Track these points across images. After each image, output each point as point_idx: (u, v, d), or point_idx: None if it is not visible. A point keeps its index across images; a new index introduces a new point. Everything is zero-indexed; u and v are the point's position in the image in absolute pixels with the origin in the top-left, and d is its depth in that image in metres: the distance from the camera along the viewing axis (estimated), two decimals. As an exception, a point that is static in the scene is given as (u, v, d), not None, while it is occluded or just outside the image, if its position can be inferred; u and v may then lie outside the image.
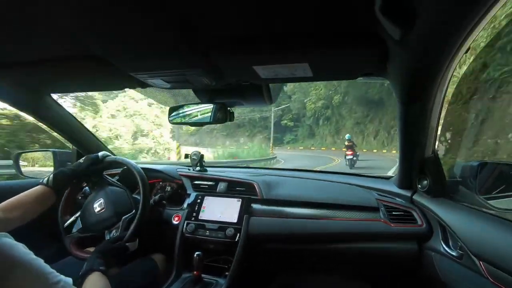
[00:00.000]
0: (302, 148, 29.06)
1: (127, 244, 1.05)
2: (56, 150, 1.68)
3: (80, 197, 1.29)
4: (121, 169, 1.49)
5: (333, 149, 19.81)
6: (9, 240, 0.61)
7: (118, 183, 1.24)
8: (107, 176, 1.23)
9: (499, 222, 0.80)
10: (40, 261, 0.64)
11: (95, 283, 0.82)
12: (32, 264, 0.61)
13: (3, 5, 0.63)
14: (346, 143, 12.76)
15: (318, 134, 30.06)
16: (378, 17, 0.52)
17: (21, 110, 1.29)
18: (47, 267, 0.64)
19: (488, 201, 0.88)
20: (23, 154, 1.62)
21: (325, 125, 28.86)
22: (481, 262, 0.79)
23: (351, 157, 11.93)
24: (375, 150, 20.63)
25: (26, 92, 1.21)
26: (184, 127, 35.28)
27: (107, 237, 1.10)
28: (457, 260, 0.91)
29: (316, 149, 26.37)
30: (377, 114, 23.22)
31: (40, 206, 0.94)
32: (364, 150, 20.13)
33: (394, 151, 17.25)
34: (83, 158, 1.15)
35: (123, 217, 1.13)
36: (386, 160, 14.83)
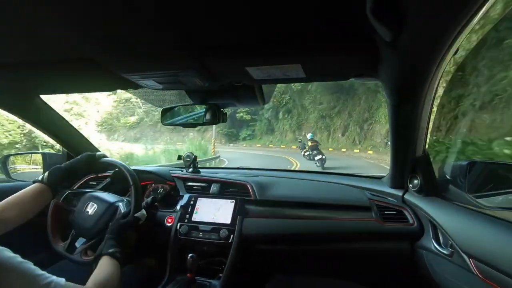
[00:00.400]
0: (259, 145, 25.47)
1: (136, 215, 1.09)
2: (46, 152, 1.65)
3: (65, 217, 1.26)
4: (113, 171, 1.47)
5: (294, 147, 16.46)
6: None
7: (97, 190, 1.27)
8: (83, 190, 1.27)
9: (488, 220, 0.82)
10: (29, 264, 0.62)
11: (104, 267, 0.85)
12: (19, 267, 0.60)
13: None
14: (310, 143, 12.04)
15: (277, 130, 25.86)
16: (370, 20, 0.53)
17: (9, 111, 1.26)
18: (36, 270, 0.63)
19: (477, 200, 0.89)
20: (12, 157, 1.58)
21: (285, 119, 24.82)
22: (471, 260, 0.80)
23: (320, 156, 10.98)
24: (344, 149, 17.69)
25: (14, 93, 1.18)
26: (122, 119, 34.12)
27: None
28: (448, 258, 0.93)
29: (274, 147, 23.22)
30: (346, 105, 19.58)
31: (37, 204, 0.94)
32: (330, 149, 17.84)
33: (370, 151, 15.05)
34: (81, 155, 1.14)
35: (119, 204, 1.17)
36: (359, 163, 12.90)
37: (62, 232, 1.23)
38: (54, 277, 0.65)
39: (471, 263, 0.80)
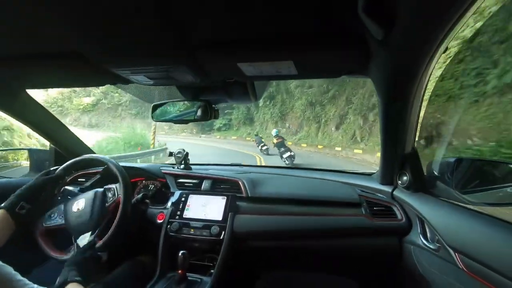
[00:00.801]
0: (235, 138, 22.03)
1: (99, 253, 1.04)
2: (33, 148, 1.61)
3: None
4: (102, 168, 1.45)
5: (274, 141, 12.40)
6: None
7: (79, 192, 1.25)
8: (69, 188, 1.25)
9: (473, 215, 0.84)
10: (8, 269, 0.61)
11: None
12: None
13: None
14: (275, 140, 10.76)
15: (257, 120, 22.16)
16: (361, 17, 0.54)
17: None
18: (16, 275, 0.61)
19: (464, 195, 0.91)
20: (-3, 153, 1.54)
21: (266, 107, 20.77)
22: (456, 254, 0.82)
23: (288, 153, 9.90)
24: (338, 148, 12.84)
25: (0, 88, 1.15)
26: (75, 100, 29.77)
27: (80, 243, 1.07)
28: (434, 253, 0.95)
29: (252, 140, 17.96)
30: (343, 88, 14.45)
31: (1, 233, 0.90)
32: (319, 147, 14.09)
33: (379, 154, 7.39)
34: (38, 175, 1.11)
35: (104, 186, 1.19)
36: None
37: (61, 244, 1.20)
38: (36, 286, 0.63)
39: (456, 257, 0.82)
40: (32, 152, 1.69)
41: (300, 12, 0.60)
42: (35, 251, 1.13)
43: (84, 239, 1.13)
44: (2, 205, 0.94)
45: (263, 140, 13.42)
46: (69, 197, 1.29)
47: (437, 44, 0.59)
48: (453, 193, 0.95)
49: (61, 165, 1.25)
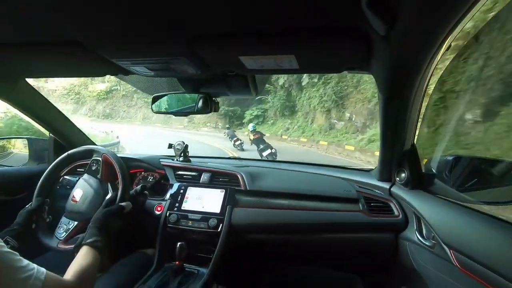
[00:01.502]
0: (269, 134, 14.26)
1: (121, 204, 1.10)
2: (32, 137, 1.61)
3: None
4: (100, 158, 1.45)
5: (323, 143, 10.00)
6: None
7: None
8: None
9: (469, 213, 0.84)
10: (12, 255, 0.61)
11: (83, 257, 0.85)
12: (4, 259, 0.59)
13: None
14: (252, 136, 9.54)
15: (301, 108, 15.14)
16: (364, 12, 0.53)
17: None
18: (19, 261, 0.62)
19: (461, 193, 0.92)
20: (-4, 141, 1.54)
21: (314, 86, 13.76)
22: (451, 251, 0.83)
23: (269, 151, 8.70)
24: None
25: None
26: (90, 86, 26.72)
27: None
28: (430, 249, 0.96)
29: (290, 139, 14.16)
30: None
31: None
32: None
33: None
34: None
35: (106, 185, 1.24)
36: None
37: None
38: (36, 270, 0.64)
39: (451, 254, 0.83)
40: (31, 141, 1.69)
41: (302, 6, 0.59)
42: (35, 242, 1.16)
43: (61, 224, 1.23)
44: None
45: (236, 134, 12.44)
46: (68, 187, 1.31)
47: (440, 41, 0.59)
48: (451, 191, 0.95)
49: (59, 155, 1.27)
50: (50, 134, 1.58)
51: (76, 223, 1.21)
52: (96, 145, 1.60)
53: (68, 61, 0.93)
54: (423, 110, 0.98)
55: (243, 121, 18.78)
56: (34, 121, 1.44)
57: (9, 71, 1.13)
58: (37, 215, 1.21)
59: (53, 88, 26.69)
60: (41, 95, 1.39)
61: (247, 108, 18.92)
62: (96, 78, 26.08)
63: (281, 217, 1.25)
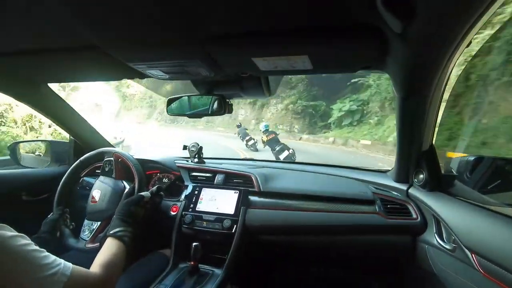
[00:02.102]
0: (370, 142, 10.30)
1: (140, 194, 1.15)
2: (52, 140, 1.68)
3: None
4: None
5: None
6: (4, 233, 0.60)
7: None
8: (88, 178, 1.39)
9: (492, 216, 0.81)
10: (39, 252, 0.63)
11: (108, 248, 0.88)
12: (26, 256, 0.60)
13: None
14: (265, 137, 8.75)
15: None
16: (379, 9, 0.52)
17: (17, 99, 1.28)
18: (46, 258, 0.64)
19: (483, 196, 0.89)
20: (20, 144, 1.61)
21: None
22: (473, 255, 0.80)
23: (286, 153, 7.93)
24: None
25: (22, 81, 1.19)
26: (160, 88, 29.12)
27: None
28: (450, 253, 0.93)
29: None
30: None
31: None
32: None
33: None
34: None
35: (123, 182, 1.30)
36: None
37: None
38: (62, 265, 0.66)
39: (473, 258, 0.80)
40: (53, 144, 1.76)
41: (316, 5, 0.59)
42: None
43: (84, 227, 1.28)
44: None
45: (248, 132, 10.78)
46: (87, 188, 1.35)
47: (460, 38, 0.57)
48: (472, 192, 0.92)
49: (79, 157, 1.32)
50: (70, 137, 1.63)
51: (99, 222, 1.26)
52: (111, 146, 1.64)
53: (87, 65, 0.96)
54: (442, 109, 0.95)
55: (330, 121, 13.05)
56: (56, 124, 1.50)
57: (32, 77, 1.18)
58: (60, 224, 1.27)
59: (133, 93, 27.43)
60: (62, 99, 1.44)
61: (334, 102, 13.12)
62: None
63: (295, 219, 1.25)
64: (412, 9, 0.49)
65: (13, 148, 1.54)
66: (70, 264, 0.68)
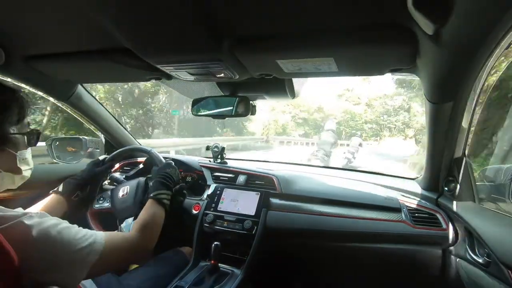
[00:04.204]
0: None
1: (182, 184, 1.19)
2: (86, 137, 1.76)
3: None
4: (145, 158, 1.55)
5: None
6: (40, 218, 0.63)
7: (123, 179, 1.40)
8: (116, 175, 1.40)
9: None
10: (69, 229, 0.66)
11: (147, 209, 0.94)
12: (57, 237, 0.63)
13: (41, 2, 0.66)
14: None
15: None
16: (410, 10, 0.50)
17: (54, 98, 1.36)
18: (78, 232, 0.67)
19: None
20: (55, 140, 1.71)
21: None
22: (509, 272, 0.75)
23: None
24: None
25: (59, 82, 1.27)
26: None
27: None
28: (483, 268, 0.87)
29: None
30: None
31: (54, 214, 1.02)
32: None
33: None
34: (87, 164, 1.24)
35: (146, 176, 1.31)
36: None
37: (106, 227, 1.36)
38: (93, 237, 0.69)
39: (509, 275, 0.75)
40: (85, 141, 1.85)
41: (343, 5, 0.57)
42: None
43: (126, 223, 1.24)
44: (62, 191, 1.07)
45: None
46: (115, 183, 1.41)
47: (498, 40, 0.53)
48: (508, 204, 0.86)
49: (109, 154, 1.37)
50: (101, 135, 1.72)
51: (132, 218, 1.27)
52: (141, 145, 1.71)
53: (118, 67, 1.01)
54: (477, 114, 0.90)
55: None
56: (88, 122, 1.58)
57: (68, 77, 1.26)
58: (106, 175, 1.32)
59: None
60: (95, 99, 1.52)
61: None
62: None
63: (316, 223, 1.23)
64: (446, 10, 0.47)
65: (50, 144, 1.63)
66: (103, 233, 0.71)
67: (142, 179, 1.32)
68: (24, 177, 0.77)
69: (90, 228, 1.23)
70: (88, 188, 1.17)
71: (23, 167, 0.74)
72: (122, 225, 1.27)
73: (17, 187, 0.76)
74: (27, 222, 0.60)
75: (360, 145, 8.52)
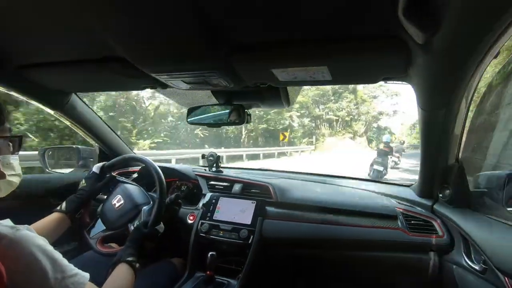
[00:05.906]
0: None
1: (155, 228, 1.07)
2: (80, 147, 1.75)
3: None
4: (140, 166, 1.53)
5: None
6: (28, 233, 0.62)
7: (131, 182, 1.28)
8: (119, 177, 1.28)
9: None
10: (59, 255, 0.65)
11: (121, 273, 0.86)
12: (53, 255, 0.62)
13: (35, 12, 0.66)
14: (383, 146, 8.10)
15: None
16: (401, 21, 0.51)
17: (49, 107, 1.35)
18: (65, 260, 0.66)
19: (516, 214, 0.83)
20: (48, 150, 1.69)
21: None
22: (506, 278, 0.74)
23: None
24: None
25: (53, 91, 1.26)
26: None
27: (131, 229, 1.11)
28: (479, 275, 0.87)
29: None
30: None
31: (56, 232, 0.99)
32: None
33: None
34: (83, 180, 1.19)
35: (143, 208, 1.15)
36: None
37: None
38: (80, 271, 0.67)
39: (506, 282, 0.74)
40: (80, 150, 1.84)
41: (336, 15, 0.58)
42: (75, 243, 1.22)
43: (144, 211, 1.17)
44: (66, 209, 1.04)
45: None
46: (110, 188, 1.37)
47: (487, 48, 0.54)
48: (503, 210, 0.87)
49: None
50: (96, 144, 1.70)
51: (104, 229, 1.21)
52: (137, 155, 1.69)
53: (113, 76, 1.01)
54: (468, 121, 0.91)
55: None
56: (83, 132, 1.57)
57: (62, 86, 1.25)
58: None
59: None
60: (89, 108, 1.51)
61: None
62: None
63: (313, 231, 1.22)
64: (435, 19, 0.48)
65: (43, 154, 1.61)
66: (87, 275, 0.68)
67: (141, 207, 1.19)
68: (11, 182, 0.74)
69: (95, 250, 1.19)
70: (91, 204, 1.17)
71: (8, 172, 0.72)
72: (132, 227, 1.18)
73: (5, 195, 0.74)
74: (16, 237, 0.59)
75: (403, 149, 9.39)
